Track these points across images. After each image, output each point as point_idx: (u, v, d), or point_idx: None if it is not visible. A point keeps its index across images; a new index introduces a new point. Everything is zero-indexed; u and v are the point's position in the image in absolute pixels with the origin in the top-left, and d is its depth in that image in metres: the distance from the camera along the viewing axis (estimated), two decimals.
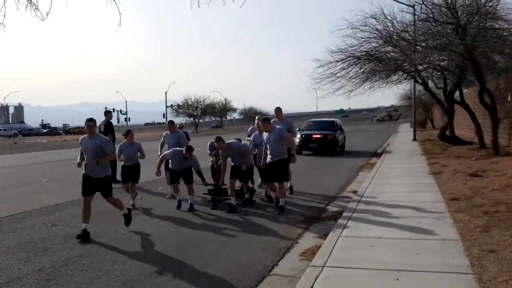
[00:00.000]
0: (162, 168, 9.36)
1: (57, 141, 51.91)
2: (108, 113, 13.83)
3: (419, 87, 28.18)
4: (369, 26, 19.51)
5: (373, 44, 20.12)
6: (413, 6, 19.92)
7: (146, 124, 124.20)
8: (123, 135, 9.61)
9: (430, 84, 24.85)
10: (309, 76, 21.94)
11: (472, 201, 8.03)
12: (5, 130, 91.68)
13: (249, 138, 10.17)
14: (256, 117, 9.98)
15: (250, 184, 9.75)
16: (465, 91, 24.47)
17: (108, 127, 13.39)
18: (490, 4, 15.92)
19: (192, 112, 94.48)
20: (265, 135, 8.80)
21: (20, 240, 6.83)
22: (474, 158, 14.92)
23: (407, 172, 12.86)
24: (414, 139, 28.02)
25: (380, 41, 19.88)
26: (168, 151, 9.42)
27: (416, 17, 19.21)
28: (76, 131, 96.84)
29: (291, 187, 10.47)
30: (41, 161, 22.70)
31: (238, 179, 9.19)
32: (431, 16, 17.28)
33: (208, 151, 10.48)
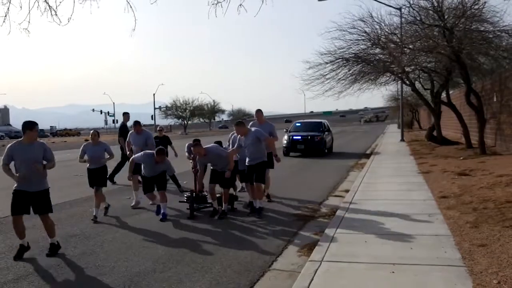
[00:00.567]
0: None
1: (47, 143, 51.51)
2: (125, 115, 13.56)
3: (406, 88, 28.65)
4: (358, 29, 19.90)
5: (362, 46, 20.51)
6: (400, 9, 20.30)
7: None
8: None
9: (417, 85, 25.30)
10: (299, 77, 22.27)
11: (461, 198, 8.30)
12: None
13: (229, 143, 9.63)
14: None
15: (231, 191, 9.13)
16: (451, 92, 24.95)
17: (121, 130, 13.26)
18: (475, 7, 16.30)
19: (180, 114, 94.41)
20: (242, 139, 8.53)
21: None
22: (461, 158, 15.27)
23: (397, 172, 13.15)
24: (402, 139, 28.43)
25: (368, 43, 20.25)
26: (138, 154, 8.76)
27: (403, 19, 19.57)
28: (64, 133, 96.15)
29: (268, 195, 9.76)
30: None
31: (219, 185, 8.49)
32: (419, 18, 17.65)
33: (187, 154, 9.48)
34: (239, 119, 9.35)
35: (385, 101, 60.81)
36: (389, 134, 39.79)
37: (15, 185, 5.97)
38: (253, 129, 8.70)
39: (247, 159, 8.52)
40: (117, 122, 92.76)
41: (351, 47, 20.34)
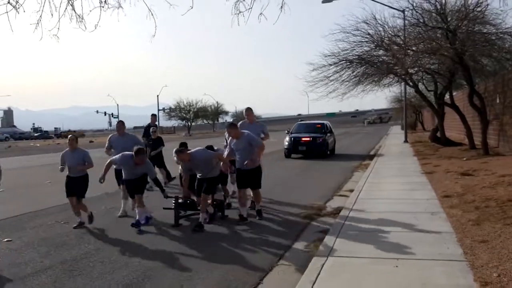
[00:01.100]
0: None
1: (51, 145, 52.04)
2: (153, 116, 13.43)
3: (410, 90, 28.83)
4: (361, 31, 20.10)
5: (365, 48, 20.71)
6: (403, 11, 20.48)
7: (136, 127, 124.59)
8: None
9: (421, 86, 25.49)
10: (302, 79, 22.46)
11: (464, 197, 8.47)
12: None
13: (226, 143, 8.88)
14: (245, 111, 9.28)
15: (220, 197, 8.68)
16: (455, 93, 25.14)
17: (145, 130, 13.22)
18: (478, 9, 16.47)
19: (184, 115, 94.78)
20: (233, 142, 8.15)
21: (37, 236, 7.16)
22: (464, 159, 15.43)
23: (401, 172, 13.33)
24: (406, 141, 28.57)
25: (372, 45, 20.44)
26: (116, 155, 8.03)
27: (406, 21, 19.76)
28: (68, 134, 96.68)
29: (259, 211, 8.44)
30: (40, 164, 22.97)
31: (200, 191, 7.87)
32: (422, 21, 17.83)
33: (175, 159, 8.52)
34: (241, 120, 8.74)
35: (389, 103, 60.91)
36: (393, 136, 39.93)
37: None
38: (246, 132, 8.19)
39: (237, 164, 8.17)
40: None
41: (354, 49, 20.57)
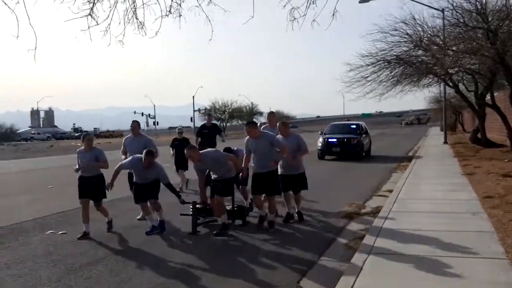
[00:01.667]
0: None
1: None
2: (209, 116, 12.85)
3: (450, 90, 28.37)
4: (400, 31, 19.98)
5: (404, 48, 20.56)
6: (442, 11, 20.22)
7: (170, 128, 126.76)
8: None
9: (461, 87, 25.06)
10: (339, 80, 22.48)
11: (505, 198, 8.42)
12: (38, 133, 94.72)
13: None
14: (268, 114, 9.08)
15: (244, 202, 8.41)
16: (496, 94, 24.57)
17: (198, 130, 12.43)
18: None
19: (219, 116, 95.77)
20: (251, 142, 7.48)
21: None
22: (506, 160, 15.15)
23: (441, 173, 13.24)
24: (445, 142, 28.10)
25: (411, 45, 20.29)
26: (126, 159, 7.69)
27: (446, 21, 19.51)
28: (107, 134, 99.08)
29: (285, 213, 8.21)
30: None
31: (213, 193, 7.46)
32: (462, 21, 17.58)
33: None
34: (251, 120, 8.25)
35: (427, 103, 59.80)
36: (432, 137, 39.27)
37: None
38: (266, 132, 7.78)
39: (255, 167, 7.49)
40: (157, 124, 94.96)
41: (392, 49, 20.46)
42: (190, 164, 10.21)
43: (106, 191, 7.39)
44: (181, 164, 11.97)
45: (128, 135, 9.01)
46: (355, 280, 4.62)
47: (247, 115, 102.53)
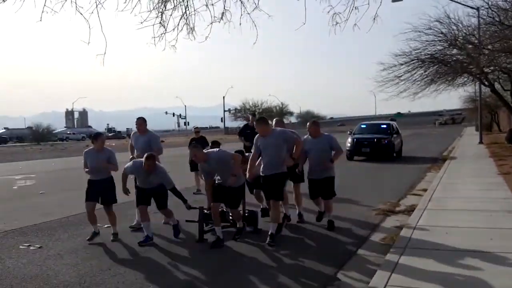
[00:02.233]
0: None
1: (125, 144, 54.67)
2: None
3: (485, 90, 27.89)
4: (434, 30, 19.89)
5: (438, 47, 20.49)
6: (477, 9, 19.96)
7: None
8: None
9: (497, 86, 24.67)
10: (372, 79, 22.47)
11: None
12: (74, 134, 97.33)
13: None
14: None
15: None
16: None
17: (241, 129, 12.38)
18: None
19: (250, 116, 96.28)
20: (260, 140, 6.74)
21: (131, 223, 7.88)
22: None
23: (476, 173, 13.18)
24: (480, 142, 27.62)
25: (445, 44, 20.15)
26: (128, 163, 7.10)
27: (481, 20, 19.26)
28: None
29: (286, 216, 7.72)
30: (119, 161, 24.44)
31: (224, 204, 6.96)
32: (497, 19, 17.34)
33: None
34: (260, 117, 7.30)
35: (462, 103, 58.66)
36: (467, 137, 38.61)
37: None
38: (278, 129, 7.05)
39: (261, 167, 6.77)
40: (188, 125, 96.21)
41: (426, 48, 20.40)
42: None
43: (126, 194, 7.01)
44: (197, 165, 11.46)
45: (134, 131, 8.54)
46: (391, 274, 4.77)
47: (277, 115, 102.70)
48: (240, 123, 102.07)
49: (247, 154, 7.54)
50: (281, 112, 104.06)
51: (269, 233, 6.56)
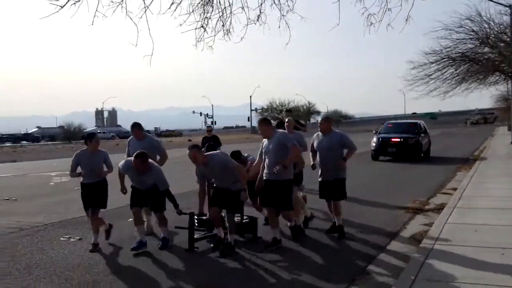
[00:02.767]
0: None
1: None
2: (286, 112, 11.65)
3: None
4: (465, 28, 19.67)
5: (469, 45, 20.23)
6: (510, 7, 19.62)
7: (225, 127, 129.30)
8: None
9: None
10: (401, 77, 22.35)
11: None
12: (104, 132, 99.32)
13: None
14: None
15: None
16: None
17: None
18: None
19: (276, 115, 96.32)
20: (265, 143, 6.33)
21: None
22: None
23: (507, 172, 13.03)
24: None
25: (477, 42, 19.89)
26: (121, 162, 6.58)
27: None
28: (167, 134, 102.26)
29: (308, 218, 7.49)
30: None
31: (224, 209, 6.26)
32: None
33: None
34: (263, 117, 6.75)
35: (494, 102, 57.47)
36: (499, 137, 37.74)
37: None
38: (279, 131, 6.57)
39: (264, 171, 6.29)
40: (215, 124, 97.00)
41: (457, 46, 20.22)
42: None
43: (123, 193, 6.67)
44: None
45: (131, 137, 7.83)
46: (420, 269, 4.86)
47: (304, 114, 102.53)
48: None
49: (246, 154, 7.32)
50: (308, 112, 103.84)
51: (270, 241, 6.21)
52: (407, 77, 21.88)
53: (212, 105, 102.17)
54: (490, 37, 19.11)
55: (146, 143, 7.39)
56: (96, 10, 5.44)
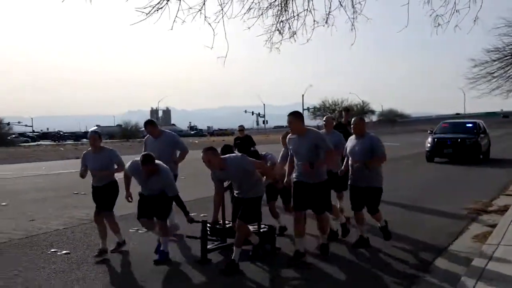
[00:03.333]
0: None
1: (206, 142, 56.70)
2: (345, 112, 10.39)
3: None
4: None
5: None
6: None
7: (276, 127, 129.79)
8: None
9: None
10: (462, 76, 21.78)
11: None
12: None
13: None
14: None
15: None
16: None
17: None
18: None
19: (329, 114, 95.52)
20: (292, 140, 5.73)
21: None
22: None
23: None
24: None
25: None
26: (128, 162, 6.12)
27: None
28: (220, 133, 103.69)
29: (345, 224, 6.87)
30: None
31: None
32: None
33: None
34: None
35: None
36: None
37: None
38: (312, 129, 5.86)
39: (294, 173, 5.77)
40: (267, 123, 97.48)
41: None
42: None
43: (128, 201, 6.10)
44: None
45: (148, 136, 7.40)
46: (484, 268, 4.85)
47: (357, 113, 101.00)
48: (319, 121, 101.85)
49: (262, 153, 6.87)
50: (362, 111, 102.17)
51: (321, 244, 5.83)
52: (468, 75, 21.34)
53: (264, 104, 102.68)
54: None
55: (164, 140, 7.06)
56: (176, 16, 5.88)
